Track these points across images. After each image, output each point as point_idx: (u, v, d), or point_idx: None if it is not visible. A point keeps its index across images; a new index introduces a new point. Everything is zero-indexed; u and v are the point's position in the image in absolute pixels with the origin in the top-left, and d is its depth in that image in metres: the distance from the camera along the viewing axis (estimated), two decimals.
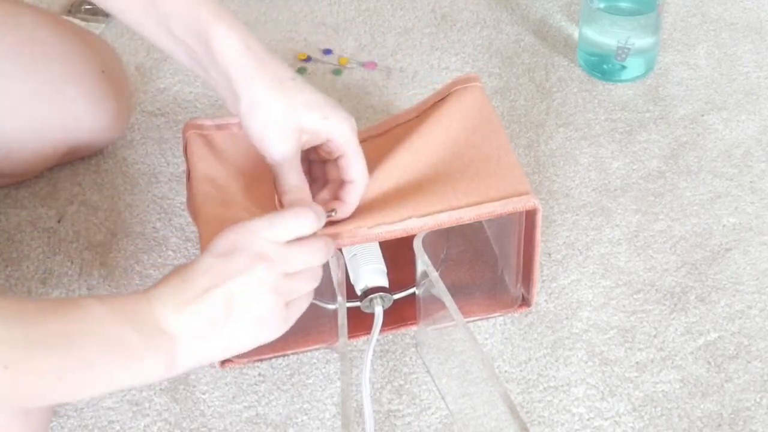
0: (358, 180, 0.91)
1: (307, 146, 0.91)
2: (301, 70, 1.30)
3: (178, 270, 0.81)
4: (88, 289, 1.05)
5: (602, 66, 1.28)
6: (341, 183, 0.92)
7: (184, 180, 1.08)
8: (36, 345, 0.72)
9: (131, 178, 1.17)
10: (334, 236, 0.90)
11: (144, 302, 0.78)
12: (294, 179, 0.89)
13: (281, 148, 0.88)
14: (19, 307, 0.73)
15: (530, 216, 0.94)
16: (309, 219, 0.84)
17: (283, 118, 0.88)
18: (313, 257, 0.84)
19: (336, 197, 0.92)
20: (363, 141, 0.92)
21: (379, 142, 1.00)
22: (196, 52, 0.88)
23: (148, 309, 0.78)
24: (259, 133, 0.88)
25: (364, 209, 0.92)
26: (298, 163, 0.90)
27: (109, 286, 1.05)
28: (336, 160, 0.92)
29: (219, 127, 1.02)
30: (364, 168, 0.91)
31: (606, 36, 1.25)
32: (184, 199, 1.14)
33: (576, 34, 1.33)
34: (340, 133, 0.89)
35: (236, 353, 0.83)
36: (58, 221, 1.12)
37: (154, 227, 1.12)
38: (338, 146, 0.90)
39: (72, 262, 1.08)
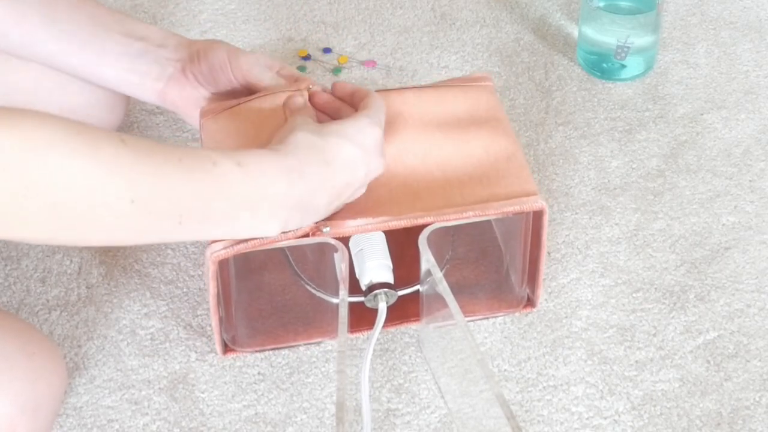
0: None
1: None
2: (300, 69, 1.30)
3: (334, 151, 0.88)
4: (87, 287, 1.05)
5: (602, 65, 1.28)
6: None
7: None
8: (163, 190, 0.79)
9: None
10: (338, 226, 0.90)
11: (284, 178, 0.85)
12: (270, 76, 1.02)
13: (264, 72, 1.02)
14: (152, 149, 0.79)
15: (537, 217, 0.94)
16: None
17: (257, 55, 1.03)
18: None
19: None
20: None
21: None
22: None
23: (283, 189, 0.85)
24: (246, 65, 1.01)
25: (370, 204, 0.92)
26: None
27: (109, 284, 1.05)
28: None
29: (231, 106, 1.00)
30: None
31: (605, 35, 1.25)
32: None
33: (575, 33, 1.33)
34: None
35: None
36: None
37: None
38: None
39: (71, 261, 1.08)
